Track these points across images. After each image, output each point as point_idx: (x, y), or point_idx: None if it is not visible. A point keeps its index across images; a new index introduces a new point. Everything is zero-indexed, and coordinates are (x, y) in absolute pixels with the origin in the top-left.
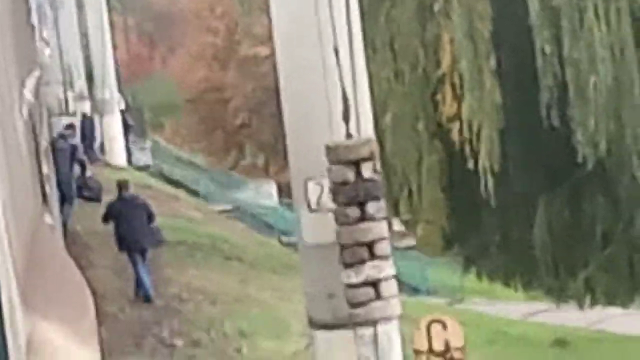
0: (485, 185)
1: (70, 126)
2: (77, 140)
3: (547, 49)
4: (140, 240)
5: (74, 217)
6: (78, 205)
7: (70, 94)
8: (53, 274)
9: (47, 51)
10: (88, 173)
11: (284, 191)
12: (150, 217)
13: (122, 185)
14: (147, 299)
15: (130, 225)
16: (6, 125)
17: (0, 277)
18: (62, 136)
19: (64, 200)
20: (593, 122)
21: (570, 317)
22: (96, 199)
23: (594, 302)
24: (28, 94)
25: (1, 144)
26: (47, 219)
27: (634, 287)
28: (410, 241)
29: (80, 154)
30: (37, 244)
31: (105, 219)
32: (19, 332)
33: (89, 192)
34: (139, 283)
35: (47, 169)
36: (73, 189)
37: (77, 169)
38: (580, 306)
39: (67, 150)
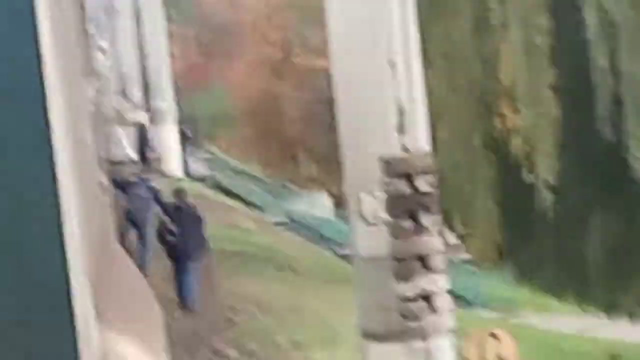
0: (542, 199)
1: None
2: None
3: (604, 63)
4: (195, 248)
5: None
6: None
7: (126, 104)
8: (125, 286)
9: (104, 60)
10: (167, 220)
11: (339, 203)
12: (203, 226)
13: (179, 193)
14: (190, 308)
15: (184, 234)
16: (79, 135)
17: (74, 290)
18: (142, 180)
19: (142, 245)
20: None
21: (624, 331)
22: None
23: None
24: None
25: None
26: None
27: None
28: (464, 254)
29: (161, 198)
30: (107, 255)
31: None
32: (94, 348)
33: (170, 236)
34: (183, 292)
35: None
36: (150, 234)
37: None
38: (633, 321)
39: (147, 196)
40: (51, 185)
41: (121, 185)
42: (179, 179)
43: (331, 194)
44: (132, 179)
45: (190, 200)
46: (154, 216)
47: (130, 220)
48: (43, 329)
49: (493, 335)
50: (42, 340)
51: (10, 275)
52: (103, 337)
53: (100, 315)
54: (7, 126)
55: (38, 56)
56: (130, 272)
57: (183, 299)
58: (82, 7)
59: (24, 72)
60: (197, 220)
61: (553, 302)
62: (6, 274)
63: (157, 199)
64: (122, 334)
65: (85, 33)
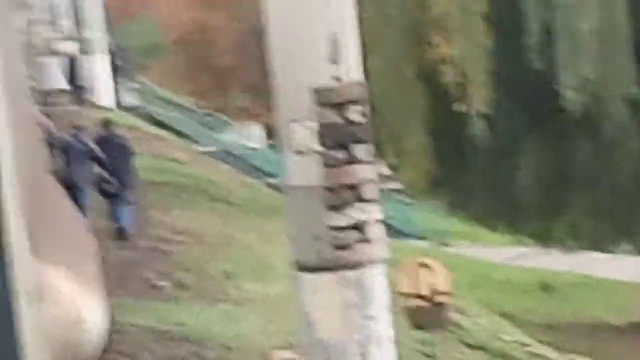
0: (474, 129)
1: (81, 128)
2: (90, 142)
3: None
4: (123, 179)
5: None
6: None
7: (57, 34)
8: (59, 218)
9: None
10: (106, 174)
11: (271, 133)
12: (130, 156)
13: (106, 123)
14: (123, 238)
15: (113, 163)
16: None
17: (8, 223)
18: (75, 136)
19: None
20: (579, 66)
21: (555, 261)
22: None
23: (578, 247)
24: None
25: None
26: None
27: (618, 232)
28: (396, 184)
29: (98, 153)
30: (42, 186)
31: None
32: (28, 279)
33: (107, 186)
34: (115, 221)
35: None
36: (85, 184)
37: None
38: (565, 250)
39: (83, 150)
40: None
41: (55, 144)
42: (109, 110)
43: (263, 124)
44: (66, 136)
45: (119, 130)
46: (90, 173)
47: (68, 180)
48: None
49: (425, 265)
50: None
51: None
52: (37, 270)
53: (34, 247)
54: None
55: None
56: (64, 204)
57: (116, 229)
58: None
59: None
60: (125, 151)
61: (485, 232)
62: None
63: (92, 153)
64: (54, 265)
65: None
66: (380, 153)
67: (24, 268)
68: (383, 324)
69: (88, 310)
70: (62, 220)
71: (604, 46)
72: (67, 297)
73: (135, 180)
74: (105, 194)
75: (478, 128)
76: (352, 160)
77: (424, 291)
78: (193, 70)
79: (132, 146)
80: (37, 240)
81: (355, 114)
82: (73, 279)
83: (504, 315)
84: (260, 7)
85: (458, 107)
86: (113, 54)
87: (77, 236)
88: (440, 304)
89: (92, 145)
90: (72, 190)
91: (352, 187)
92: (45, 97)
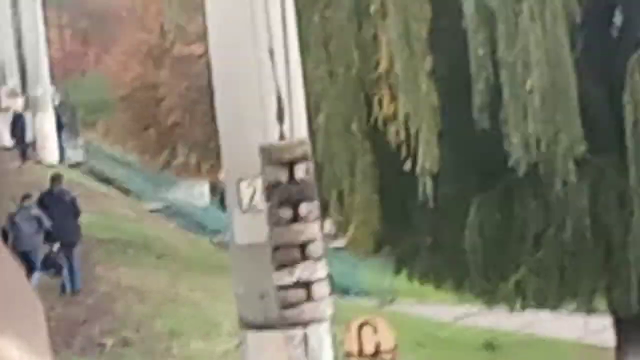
0: (423, 187)
1: (27, 196)
2: (37, 210)
3: (481, 52)
4: (68, 235)
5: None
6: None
7: (3, 90)
8: (5, 286)
9: None
10: (55, 247)
11: (216, 191)
12: (76, 213)
13: (55, 179)
14: (74, 292)
15: (59, 219)
16: None
17: None
18: (23, 208)
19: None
20: (526, 125)
21: (501, 320)
22: (60, 274)
23: (524, 305)
24: None
25: None
26: None
27: (564, 291)
28: (341, 242)
29: (47, 224)
30: None
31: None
32: None
33: (53, 267)
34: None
35: None
36: (38, 261)
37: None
38: (511, 309)
39: (32, 221)
40: None
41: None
42: (55, 166)
43: (209, 182)
44: (14, 210)
45: (65, 187)
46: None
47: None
48: None
49: (370, 323)
50: None
51: None
52: None
53: None
54: None
55: None
56: (10, 268)
57: (61, 285)
58: None
59: None
60: (71, 207)
61: (431, 290)
62: None
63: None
64: (3, 335)
65: None
66: (326, 211)
67: None
68: None
69: None
70: (8, 290)
71: (551, 104)
72: None
73: (80, 237)
74: (51, 261)
75: (425, 186)
76: (298, 219)
77: (369, 349)
78: (140, 127)
79: (78, 203)
80: None
81: (300, 171)
82: (22, 349)
83: None
84: (207, 65)
85: (405, 165)
86: (59, 111)
87: (24, 305)
88: None
89: (37, 212)
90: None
91: (299, 246)
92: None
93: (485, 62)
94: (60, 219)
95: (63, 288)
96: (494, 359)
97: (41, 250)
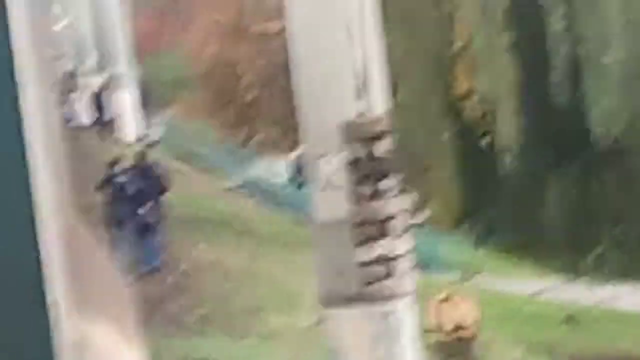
0: (500, 162)
1: (115, 162)
2: (124, 178)
3: (559, 27)
4: (153, 212)
5: (84, 193)
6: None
7: (81, 69)
8: (95, 272)
9: (59, 25)
10: (141, 211)
11: (296, 167)
12: (163, 189)
13: (139, 156)
14: (153, 271)
15: (146, 193)
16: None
17: (45, 277)
18: (113, 176)
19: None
20: (606, 100)
21: (581, 294)
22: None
23: (604, 279)
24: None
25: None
26: None
27: None
28: (421, 218)
29: (133, 192)
30: (75, 240)
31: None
32: (67, 333)
33: (140, 237)
34: (142, 256)
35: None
36: (126, 232)
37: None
38: (591, 283)
39: (120, 189)
40: (24, 179)
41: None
42: (134, 144)
43: (288, 159)
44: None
45: (151, 162)
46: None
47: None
48: (17, 317)
49: (451, 299)
50: (17, 329)
51: None
52: (76, 325)
53: (72, 302)
54: None
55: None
56: (100, 256)
57: (141, 263)
58: None
59: None
60: (158, 182)
61: (511, 265)
62: None
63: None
64: (94, 319)
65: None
66: (406, 187)
67: (67, 325)
68: (410, 359)
69: None
70: (99, 275)
71: (631, 78)
72: (109, 353)
73: (165, 212)
74: (138, 229)
75: (504, 162)
76: (379, 195)
77: (449, 326)
78: (219, 104)
79: (167, 178)
80: (77, 295)
81: (381, 148)
82: (114, 335)
83: (530, 349)
84: (287, 41)
85: (484, 140)
86: (137, 89)
87: (115, 291)
88: (465, 339)
89: (125, 179)
90: (113, 227)
91: (379, 222)
92: (70, 133)
93: (564, 36)
94: (148, 196)
95: (142, 264)
96: (575, 332)
97: (129, 220)
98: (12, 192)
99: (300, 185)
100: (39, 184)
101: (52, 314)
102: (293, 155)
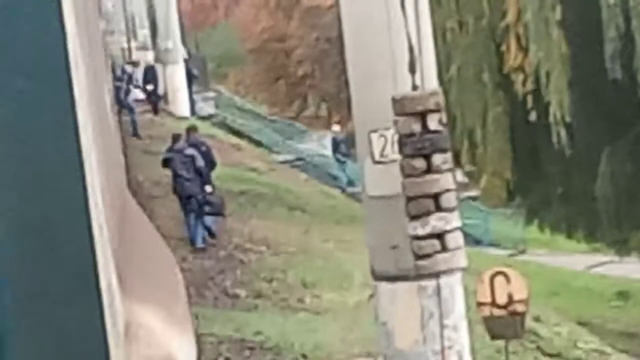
0: (552, 137)
1: (177, 138)
2: (191, 150)
3: (612, 0)
4: (204, 188)
5: (136, 168)
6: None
7: (133, 44)
8: (146, 255)
9: (110, 1)
10: (208, 188)
11: (348, 142)
12: (212, 164)
13: (190, 130)
14: (202, 246)
15: (195, 172)
16: (96, 64)
17: (98, 261)
18: (176, 151)
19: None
20: None
21: (633, 269)
22: (218, 213)
23: None
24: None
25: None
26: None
27: None
28: (472, 192)
29: (200, 163)
30: (128, 221)
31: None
32: (118, 318)
33: (210, 207)
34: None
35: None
36: (197, 204)
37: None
38: None
39: (187, 162)
40: (76, 159)
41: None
42: (186, 118)
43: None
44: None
45: (201, 138)
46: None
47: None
48: (69, 301)
49: (502, 274)
50: (69, 313)
51: (36, 249)
52: (126, 308)
53: (123, 284)
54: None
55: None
56: (151, 237)
57: (194, 238)
58: None
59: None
60: (207, 157)
61: (562, 240)
62: (33, 247)
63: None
64: (144, 303)
65: None
66: (458, 161)
67: (115, 307)
68: (461, 334)
69: (179, 350)
70: (151, 258)
71: None
72: (159, 338)
73: (215, 189)
74: (201, 205)
75: (556, 136)
76: (432, 169)
77: (501, 300)
78: (270, 79)
79: (214, 154)
80: (128, 279)
81: (433, 122)
82: (164, 319)
83: (582, 323)
84: (337, 17)
85: (536, 115)
86: (189, 63)
87: (166, 275)
88: (517, 313)
89: (191, 151)
90: (182, 199)
91: (432, 196)
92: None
93: (616, 10)
94: (199, 171)
95: (199, 240)
96: (627, 307)
97: (199, 193)
98: (63, 175)
99: (339, 160)
100: (90, 167)
101: (104, 299)
102: (332, 130)
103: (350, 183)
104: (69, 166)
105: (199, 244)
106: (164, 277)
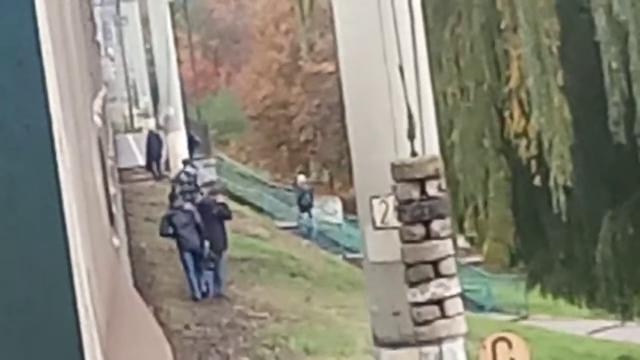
0: (554, 202)
1: (186, 162)
2: (190, 206)
3: (614, 65)
4: (216, 241)
5: (138, 235)
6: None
7: (135, 111)
8: (133, 327)
9: (112, 68)
10: (206, 243)
11: (349, 208)
12: (226, 217)
13: (212, 192)
14: (220, 295)
15: (208, 224)
16: (83, 147)
17: (84, 342)
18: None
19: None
20: None
21: (635, 334)
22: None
23: None
24: (96, 115)
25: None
26: (115, 241)
27: None
28: (475, 258)
29: (198, 220)
30: (116, 293)
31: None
32: None
33: (206, 267)
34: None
35: (114, 188)
36: (194, 261)
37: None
38: None
39: (187, 218)
40: (61, 239)
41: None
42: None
43: (341, 199)
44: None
45: (220, 199)
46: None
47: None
48: None
49: (504, 339)
50: None
51: (21, 330)
52: None
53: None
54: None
55: (41, 69)
56: (138, 309)
57: (198, 294)
58: (91, 19)
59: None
60: (221, 212)
61: (564, 305)
62: (17, 329)
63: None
64: None
65: (95, 44)
66: (459, 226)
67: None
68: None
69: None
70: (136, 327)
71: None
72: None
73: (227, 242)
74: (201, 260)
75: (558, 201)
76: (431, 236)
77: None
78: (272, 145)
79: (229, 212)
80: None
81: (432, 189)
82: None
83: None
84: (338, 83)
85: (538, 180)
86: (191, 130)
87: (152, 344)
88: None
89: (190, 207)
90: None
91: (432, 263)
92: (123, 173)
93: (619, 74)
94: (210, 225)
95: (195, 295)
96: None
97: (196, 250)
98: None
99: (303, 209)
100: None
101: None
102: (298, 180)
103: (310, 231)
104: (53, 246)
105: (198, 295)
106: (151, 348)
